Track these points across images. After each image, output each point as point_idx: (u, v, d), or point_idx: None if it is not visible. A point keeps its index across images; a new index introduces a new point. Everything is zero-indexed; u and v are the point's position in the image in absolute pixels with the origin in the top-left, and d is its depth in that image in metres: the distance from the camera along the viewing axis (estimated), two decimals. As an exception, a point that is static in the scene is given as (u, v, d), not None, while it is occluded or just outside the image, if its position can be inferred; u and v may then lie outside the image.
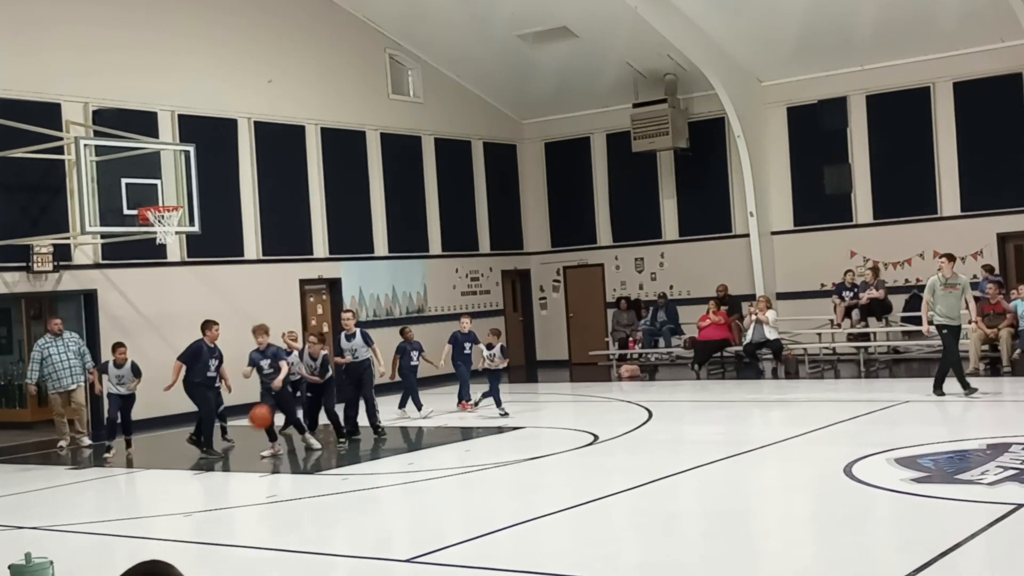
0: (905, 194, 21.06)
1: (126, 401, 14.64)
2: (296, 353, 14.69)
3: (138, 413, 15.17)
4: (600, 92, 23.36)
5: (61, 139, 15.90)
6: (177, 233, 16.00)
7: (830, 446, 12.04)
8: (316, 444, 13.89)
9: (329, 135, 20.76)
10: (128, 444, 14.72)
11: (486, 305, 23.71)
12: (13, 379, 18.99)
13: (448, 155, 23.31)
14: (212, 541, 9.29)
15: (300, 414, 14.29)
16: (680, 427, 14.90)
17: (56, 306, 17.76)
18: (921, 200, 20.89)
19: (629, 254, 24.16)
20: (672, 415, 15.76)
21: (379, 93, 22.06)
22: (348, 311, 15.65)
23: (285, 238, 19.84)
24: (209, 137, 18.12)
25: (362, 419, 14.56)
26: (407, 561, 7.93)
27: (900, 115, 21.07)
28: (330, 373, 14.47)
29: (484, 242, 24.22)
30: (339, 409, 14.41)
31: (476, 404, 16.62)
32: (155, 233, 15.36)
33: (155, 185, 15.79)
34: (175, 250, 17.77)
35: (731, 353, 21.15)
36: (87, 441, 15.72)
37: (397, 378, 16.55)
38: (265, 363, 13.80)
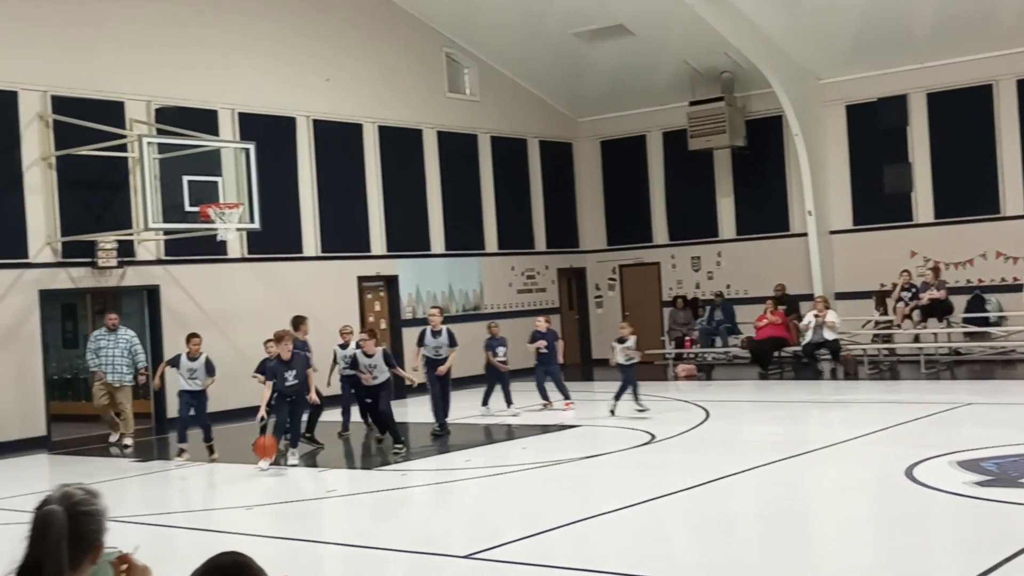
0: (966, 193, 20.75)
1: (198, 398, 13.53)
2: (353, 351, 14.27)
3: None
4: (656, 90, 23.27)
5: (125, 137, 16.14)
6: (238, 230, 16.11)
7: (890, 448, 11.90)
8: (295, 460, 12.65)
9: (386, 133, 20.89)
10: (210, 450, 13.41)
11: (542, 303, 23.71)
12: (79, 373, 19.31)
13: (504, 153, 23.36)
14: (271, 534, 9.39)
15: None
16: (738, 427, 14.81)
17: (120, 301, 18.01)
18: (983, 199, 20.57)
19: (685, 253, 24.05)
20: (730, 415, 15.65)
21: (436, 91, 22.16)
22: (436, 308, 15.56)
23: (343, 235, 20.00)
24: (268, 135, 18.32)
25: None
26: (465, 557, 7.98)
27: (961, 113, 20.76)
28: (387, 375, 13.65)
29: (540, 240, 24.24)
30: (411, 408, 14.16)
31: (612, 412, 15.27)
32: (216, 230, 15.45)
33: (216, 182, 15.94)
34: (235, 246, 17.96)
35: (788, 353, 20.98)
36: (129, 441, 15.33)
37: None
38: (290, 374, 12.66)
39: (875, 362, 20.32)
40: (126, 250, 16.76)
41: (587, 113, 24.93)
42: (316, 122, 19.67)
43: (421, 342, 15.05)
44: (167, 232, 16.20)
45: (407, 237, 21.14)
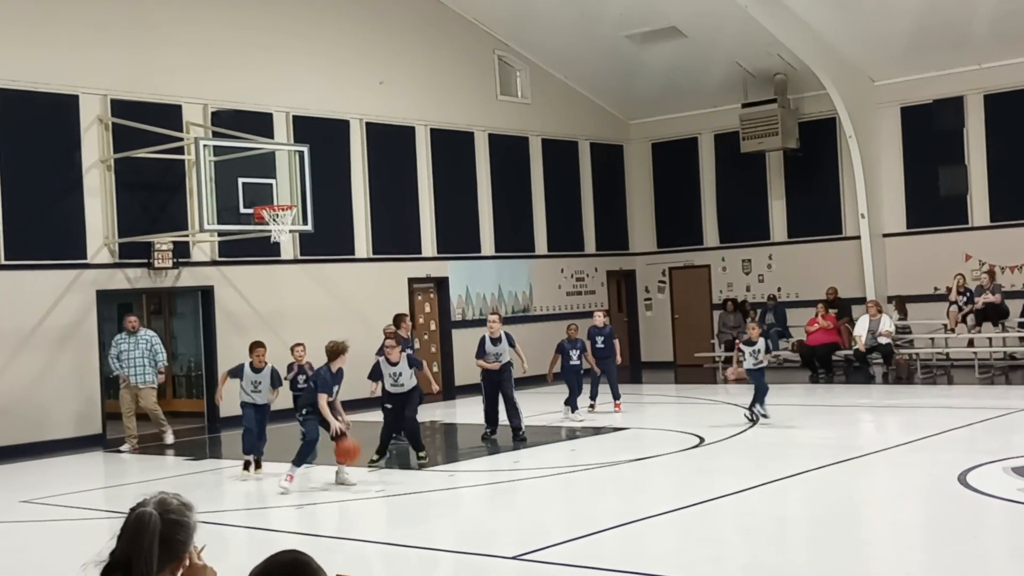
0: (1023, 196, 20.46)
1: (262, 411, 12.69)
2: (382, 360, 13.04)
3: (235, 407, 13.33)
4: (708, 92, 23.19)
5: (181, 140, 16.38)
6: (291, 232, 16.25)
7: (943, 453, 11.79)
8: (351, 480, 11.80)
9: (438, 136, 21.00)
10: (258, 464, 12.67)
11: (591, 305, 23.67)
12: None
13: (555, 156, 23.39)
14: (320, 533, 9.49)
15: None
16: (788, 431, 14.69)
17: (175, 301, 18.26)
18: (1040, 202, 20.30)
19: (736, 255, 23.94)
20: (780, 418, 15.55)
21: (487, 94, 22.25)
22: (495, 314, 15.25)
23: (394, 237, 20.14)
24: (322, 137, 18.49)
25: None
26: (512, 558, 8.02)
27: (1019, 115, 20.47)
28: (415, 382, 12.89)
29: (590, 242, 24.24)
30: (459, 410, 14.06)
31: (752, 420, 14.58)
32: (270, 231, 15.60)
33: (270, 184, 16.12)
34: (288, 248, 18.16)
35: (840, 357, 20.80)
36: (170, 439, 15.54)
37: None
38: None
39: (928, 366, 20.10)
40: (181, 251, 17.01)
41: (638, 115, 24.89)
42: (369, 124, 19.82)
43: (482, 352, 14.56)
44: (221, 233, 16.41)
45: (457, 239, 21.24)
